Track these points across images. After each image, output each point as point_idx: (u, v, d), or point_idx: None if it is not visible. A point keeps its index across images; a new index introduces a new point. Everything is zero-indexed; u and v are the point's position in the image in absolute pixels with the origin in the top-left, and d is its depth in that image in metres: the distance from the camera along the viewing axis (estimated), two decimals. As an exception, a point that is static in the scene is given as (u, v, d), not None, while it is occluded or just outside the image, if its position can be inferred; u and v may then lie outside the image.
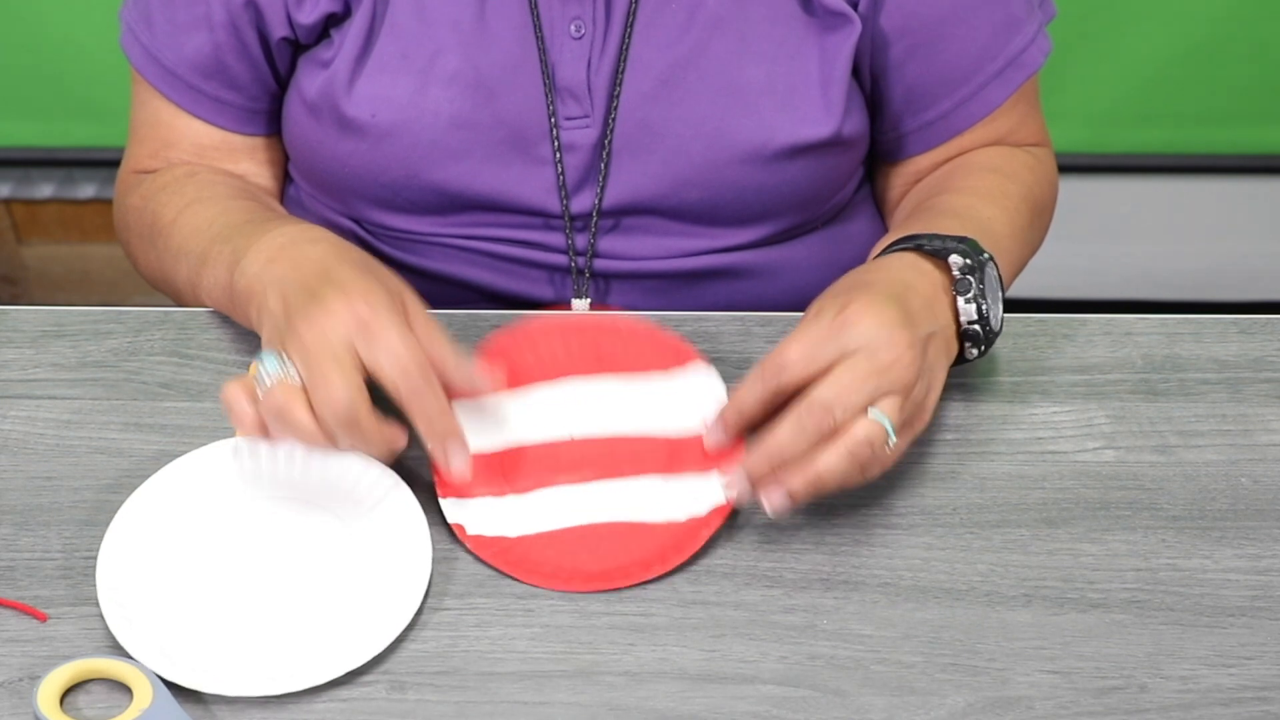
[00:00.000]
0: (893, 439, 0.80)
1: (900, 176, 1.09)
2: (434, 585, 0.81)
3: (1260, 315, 0.99)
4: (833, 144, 1.00)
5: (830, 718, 0.75)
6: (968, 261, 0.88)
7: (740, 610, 0.80)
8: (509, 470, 0.86)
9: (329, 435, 0.81)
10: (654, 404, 0.90)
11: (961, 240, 0.89)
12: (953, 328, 0.88)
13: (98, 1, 1.75)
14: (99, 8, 1.74)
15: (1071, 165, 1.90)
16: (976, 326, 0.88)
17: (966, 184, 1.02)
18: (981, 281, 0.88)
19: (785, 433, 0.80)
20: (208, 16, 1.00)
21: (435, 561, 0.82)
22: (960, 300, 0.87)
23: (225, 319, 0.97)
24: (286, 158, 1.10)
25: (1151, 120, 1.94)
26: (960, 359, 0.89)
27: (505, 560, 0.82)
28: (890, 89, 1.03)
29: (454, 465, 0.83)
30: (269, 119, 1.06)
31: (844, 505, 0.86)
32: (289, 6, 0.99)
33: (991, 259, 0.89)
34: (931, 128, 1.05)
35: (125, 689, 0.75)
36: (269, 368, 0.81)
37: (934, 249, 0.89)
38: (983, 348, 0.89)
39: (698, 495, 0.85)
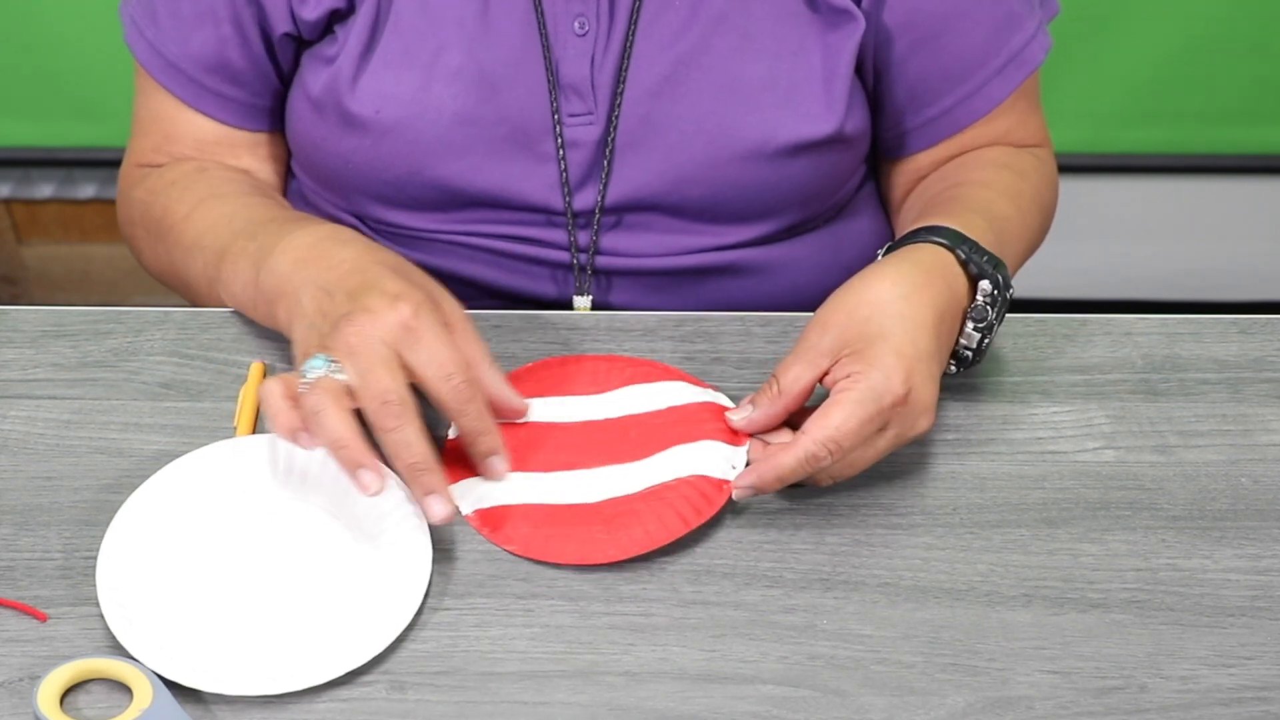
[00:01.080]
0: None
1: (902, 174, 1.09)
2: (434, 585, 0.81)
3: (1260, 315, 0.99)
4: (835, 141, 1.00)
5: (830, 718, 0.75)
6: (994, 291, 0.89)
7: (740, 610, 0.80)
8: (520, 454, 0.87)
9: (357, 442, 0.80)
10: (660, 395, 0.91)
11: (997, 264, 0.90)
12: (951, 348, 0.90)
13: (97, 1, 1.75)
14: (99, 8, 1.74)
15: (1071, 165, 1.90)
16: (969, 352, 0.90)
17: (983, 177, 1.02)
18: (997, 312, 0.90)
19: (795, 468, 0.82)
20: (212, 11, 1.00)
21: (435, 561, 0.82)
22: (969, 325, 0.89)
23: (225, 319, 0.98)
24: (288, 153, 1.10)
25: (1151, 120, 1.94)
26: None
27: (523, 542, 0.82)
28: (893, 85, 1.03)
29: (496, 470, 0.85)
30: (272, 115, 1.07)
31: (844, 505, 0.86)
32: (292, 3, 0.99)
33: (1010, 282, 0.91)
34: (934, 124, 1.05)
35: (125, 689, 0.75)
36: (315, 366, 0.81)
37: (975, 270, 0.89)
38: (960, 369, 0.92)
39: (703, 459, 0.86)
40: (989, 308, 0.89)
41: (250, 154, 1.07)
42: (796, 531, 0.84)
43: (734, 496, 0.84)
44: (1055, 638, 0.79)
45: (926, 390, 0.84)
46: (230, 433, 0.89)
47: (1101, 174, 1.99)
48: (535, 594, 0.81)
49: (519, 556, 0.82)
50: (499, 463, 0.85)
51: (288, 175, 1.11)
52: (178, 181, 1.03)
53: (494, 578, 0.82)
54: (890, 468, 0.88)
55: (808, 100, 0.99)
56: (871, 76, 1.03)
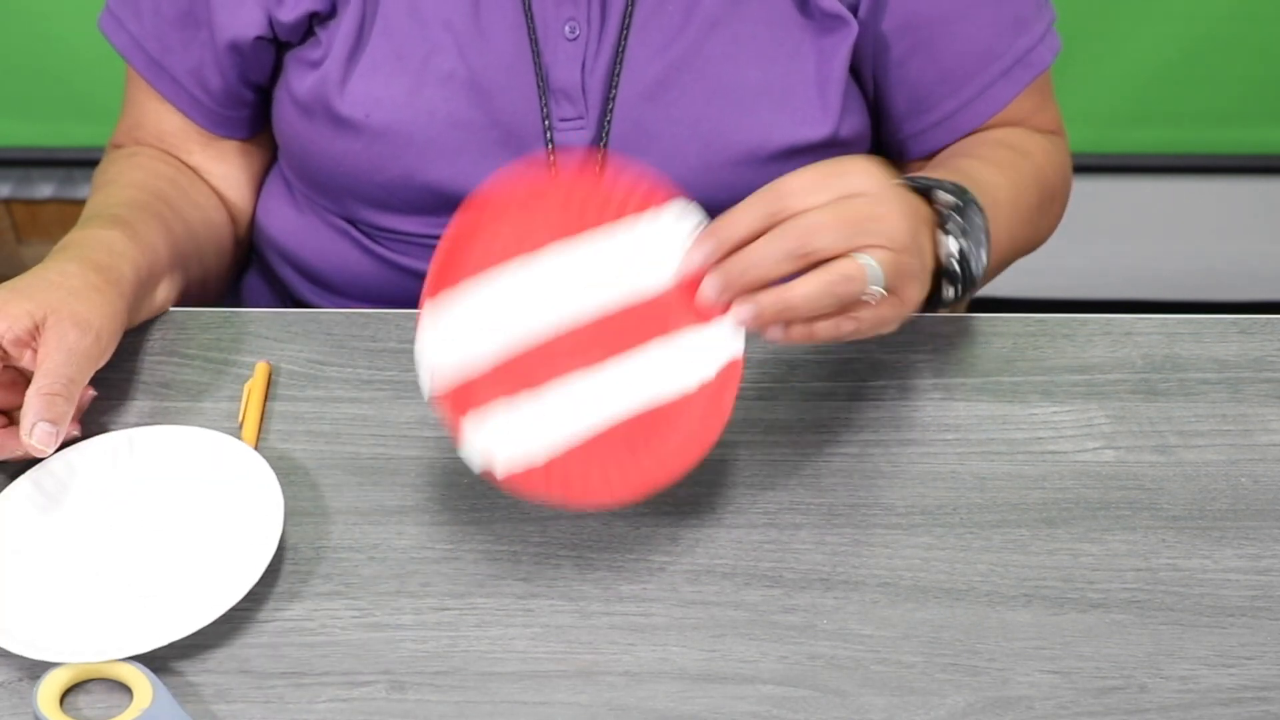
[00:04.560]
0: (878, 285, 0.78)
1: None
2: (434, 585, 0.81)
3: (1260, 315, 0.99)
4: (830, 145, 1.00)
5: (830, 718, 0.75)
6: (954, 200, 0.86)
7: (740, 610, 0.80)
8: (514, 372, 0.81)
9: None
10: (638, 256, 0.84)
11: (954, 185, 0.87)
12: (931, 262, 0.85)
13: (98, 2, 1.75)
14: (99, 8, 1.74)
15: (1073, 165, 1.90)
16: (956, 264, 0.86)
17: (976, 152, 1.02)
18: (966, 221, 0.86)
19: (760, 244, 0.78)
20: (192, 15, 1.01)
21: (435, 561, 0.82)
22: (940, 234, 0.85)
23: (225, 319, 0.98)
24: (259, 165, 1.11)
25: (1151, 120, 1.94)
26: (935, 300, 0.87)
27: (549, 486, 0.79)
28: (894, 90, 1.03)
29: None
30: (239, 125, 1.08)
31: (844, 505, 0.86)
32: (269, 6, 0.99)
33: (978, 204, 0.88)
34: (939, 128, 1.04)
35: (125, 689, 0.76)
36: None
37: (922, 185, 0.86)
38: (959, 289, 0.87)
39: (704, 354, 0.81)
40: (954, 214, 0.85)
41: (203, 152, 1.08)
42: (796, 531, 0.84)
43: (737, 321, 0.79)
44: (1055, 638, 0.79)
45: (904, 221, 0.79)
46: (233, 432, 0.89)
47: (1101, 174, 1.99)
48: (535, 594, 0.81)
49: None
50: None
51: (256, 184, 1.12)
52: (109, 162, 1.08)
53: (494, 578, 0.82)
54: (890, 467, 0.88)
55: (802, 104, 0.99)
56: (871, 83, 1.03)
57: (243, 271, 1.17)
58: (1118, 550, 0.84)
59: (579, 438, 0.80)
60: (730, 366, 0.81)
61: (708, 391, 0.81)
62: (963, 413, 0.92)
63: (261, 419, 0.90)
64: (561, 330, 0.82)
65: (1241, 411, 0.92)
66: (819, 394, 0.92)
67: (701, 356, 0.81)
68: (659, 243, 0.83)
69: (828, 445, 0.89)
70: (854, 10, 0.98)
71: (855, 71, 1.01)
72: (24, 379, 0.85)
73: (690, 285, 0.82)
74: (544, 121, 0.99)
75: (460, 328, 0.81)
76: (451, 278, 0.82)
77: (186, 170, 1.07)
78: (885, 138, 1.07)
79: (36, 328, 0.83)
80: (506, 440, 0.80)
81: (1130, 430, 0.91)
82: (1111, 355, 0.96)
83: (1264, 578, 0.82)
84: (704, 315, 0.82)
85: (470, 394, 0.81)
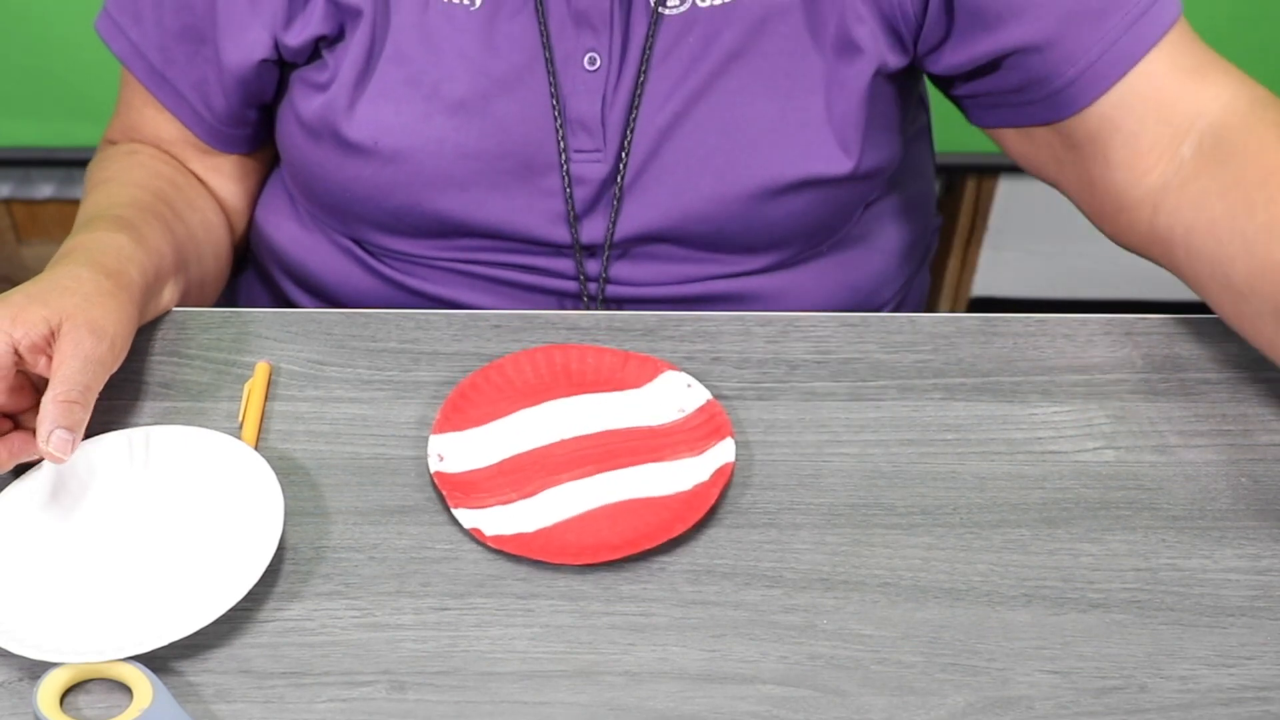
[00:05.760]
0: None
1: (1085, 127, 0.97)
2: (434, 585, 0.81)
3: (1260, 315, 0.99)
4: (846, 180, 0.99)
5: (830, 718, 0.75)
6: None
7: (740, 610, 0.80)
8: (511, 479, 0.86)
9: None
10: (633, 406, 0.91)
11: None
12: None
13: (98, 2, 1.75)
14: (99, 9, 1.74)
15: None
16: None
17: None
18: None
19: None
20: (195, 29, 1.00)
21: (435, 561, 0.82)
22: None
23: (225, 319, 0.98)
24: (257, 177, 1.11)
25: (1151, 120, 1.93)
26: None
27: (530, 549, 0.82)
28: (1017, 60, 0.95)
29: None
30: (240, 141, 1.08)
31: (844, 505, 0.86)
32: (275, 28, 0.98)
33: None
34: (1103, 59, 0.95)
35: (125, 689, 0.76)
36: None
37: None
38: None
39: (695, 468, 0.86)
40: None
41: (200, 162, 1.08)
42: (796, 531, 0.84)
43: None
44: (1055, 638, 0.79)
45: None
46: (233, 432, 0.89)
47: (1102, 174, 1.98)
48: (535, 594, 0.81)
49: (527, 557, 0.82)
50: None
51: (254, 195, 1.12)
52: (107, 157, 1.07)
53: (494, 578, 0.82)
54: (890, 467, 0.88)
55: (815, 139, 0.97)
56: (985, 73, 0.98)
57: (236, 277, 1.17)
58: (1118, 550, 0.84)
59: (567, 517, 0.85)
60: (723, 469, 0.86)
61: (699, 488, 0.86)
62: (963, 413, 0.92)
63: (261, 419, 0.90)
64: (559, 447, 0.89)
65: (1241, 411, 0.92)
66: (819, 394, 0.92)
67: (694, 469, 0.87)
68: (649, 398, 0.91)
69: (828, 445, 0.89)
70: (914, 43, 0.97)
71: (952, 78, 0.98)
72: (30, 383, 0.85)
73: (687, 420, 0.89)
74: (560, 154, 0.98)
75: (466, 443, 0.88)
76: (457, 423, 0.89)
77: (185, 171, 1.07)
78: (1034, 98, 0.98)
79: (52, 334, 0.83)
80: (498, 522, 0.84)
81: (1130, 430, 0.91)
82: (1111, 355, 0.96)
83: (1264, 578, 0.82)
84: (693, 449, 0.88)
85: (468, 489, 0.86)
